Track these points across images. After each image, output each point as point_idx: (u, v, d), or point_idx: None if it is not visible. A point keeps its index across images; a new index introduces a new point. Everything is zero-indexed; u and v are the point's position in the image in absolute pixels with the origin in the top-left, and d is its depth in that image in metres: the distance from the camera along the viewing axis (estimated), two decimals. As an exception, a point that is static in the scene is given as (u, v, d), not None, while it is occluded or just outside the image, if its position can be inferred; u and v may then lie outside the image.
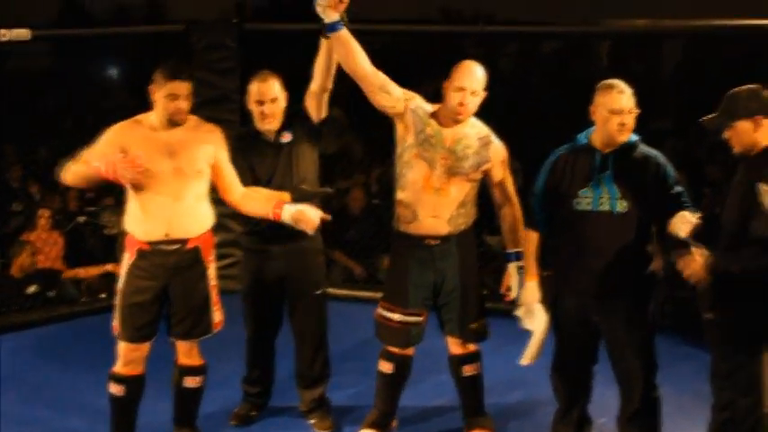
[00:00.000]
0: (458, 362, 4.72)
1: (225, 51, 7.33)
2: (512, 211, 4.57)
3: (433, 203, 4.45)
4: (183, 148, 4.31)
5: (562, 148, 4.36)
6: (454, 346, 4.70)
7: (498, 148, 4.51)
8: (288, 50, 9.45)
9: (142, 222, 4.33)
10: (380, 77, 4.41)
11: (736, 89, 3.88)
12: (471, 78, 4.37)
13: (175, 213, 4.30)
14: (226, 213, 7.10)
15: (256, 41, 7.79)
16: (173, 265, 4.36)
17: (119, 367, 4.48)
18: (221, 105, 7.26)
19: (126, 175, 4.15)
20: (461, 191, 4.47)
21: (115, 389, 4.49)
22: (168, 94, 4.23)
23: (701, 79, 9.18)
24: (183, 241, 4.35)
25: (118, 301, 4.44)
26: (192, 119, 4.40)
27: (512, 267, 4.54)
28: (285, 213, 4.36)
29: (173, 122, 4.29)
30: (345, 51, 4.35)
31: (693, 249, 3.79)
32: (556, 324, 4.40)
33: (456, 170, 4.42)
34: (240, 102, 7.36)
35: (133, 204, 4.36)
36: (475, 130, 4.48)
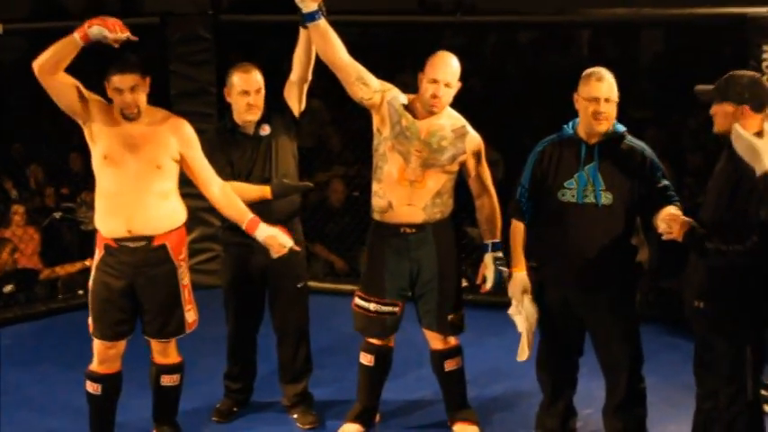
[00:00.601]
0: (439, 357, 4.73)
1: (201, 43, 7.28)
2: (489, 201, 4.57)
3: (408, 194, 4.46)
4: (146, 141, 4.26)
5: (548, 138, 4.35)
6: (434, 341, 4.70)
7: (474, 139, 4.50)
8: (265, 42, 9.43)
9: (106, 219, 4.31)
10: (358, 68, 4.41)
11: (740, 72, 3.88)
12: (445, 70, 4.37)
13: (137, 210, 4.26)
14: (203, 207, 7.09)
15: (232, 33, 7.75)
16: (138, 263, 4.32)
17: (95, 365, 4.46)
18: (198, 98, 7.22)
19: (113, 29, 4.04)
20: (437, 182, 4.47)
21: (92, 387, 4.47)
22: (114, 89, 4.21)
23: (682, 68, 9.20)
24: (149, 239, 4.31)
25: (90, 298, 4.42)
26: (160, 112, 4.37)
27: (488, 258, 4.54)
28: (259, 232, 4.36)
29: (125, 116, 4.23)
30: (323, 42, 4.34)
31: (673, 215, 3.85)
32: (540, 316, 4.40)
33: (431, 162, 4.43)
34: (217, 95, 7.36)
35: (98, 200, 4.33)
36: (450, 122, 4.47)
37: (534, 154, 4.34)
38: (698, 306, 3.87)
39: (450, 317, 4.60)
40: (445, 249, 4.56)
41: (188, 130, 4.39)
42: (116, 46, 4.10)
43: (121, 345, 4.43)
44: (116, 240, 4.29)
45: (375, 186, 4.55)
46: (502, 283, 4.52)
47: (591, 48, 10.80)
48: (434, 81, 4.36)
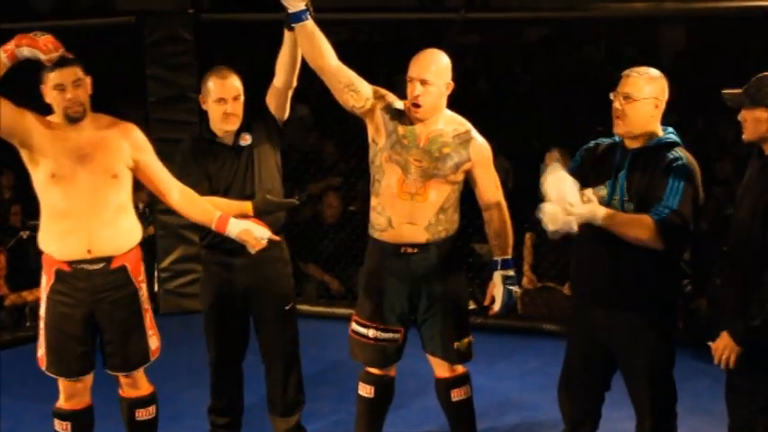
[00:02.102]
0: (445, 386, 4.67)
1: (180, 45, 7.27)
2: (498, 214, 4.50)
3: (408, 210, 4.39)
4: (96, 150, 4.18)
5: (599, 139, 4.24)
6: (440, 369, 4.65)
7: (479, 146, 4.43)
8: (251, 43, 9.45)
9: (60, 239, 4.19)
10: (348, 74, 4.35)
11: None
12: (420, 67, 4.30)
13: (96, 227, 4.17)
14: (185, 224, 7.06)
15: (214, 33, 7.76)
16: (97, 288, 4.22)
17: (61, 402, 4.38)
18: (177, 104, 7.23)
19: (45, 48, 3.96)
20: (440, 195, 4.40)
21: (60, 426, 4.38)
22: (55, 86, 4.11)
23: (706, 69, 9.20)
24: (108, 259, 4.21)
25: (42, 331, 4.30)
26: (105, 118, 4.28)
27: (497, 277, 4.48)
28: (231, 228, 4.32)
29: (70, 118, 4.13)
30: (310, 45, 4.29)
31: None
32: (567, 339, 4.35)
33: (433, 173, 4.36)
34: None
35: (48, 219, 4.22)
36: (452, 127, 4.41)
37: (580, 151, 4.25)
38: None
39: (456, 344, 4.55)
40: (451, 270, 4.51)
41: (139, 133, 4.32)
42: (48, 65, 4.05)
43: (88, 378, 4.36)
44: (71, 263, 4.18)
45: (373, 201, 4.51)
46: (513, 304, 4.49)
47: (606, 47, 10.83)
48: (410, 79, 4.31)
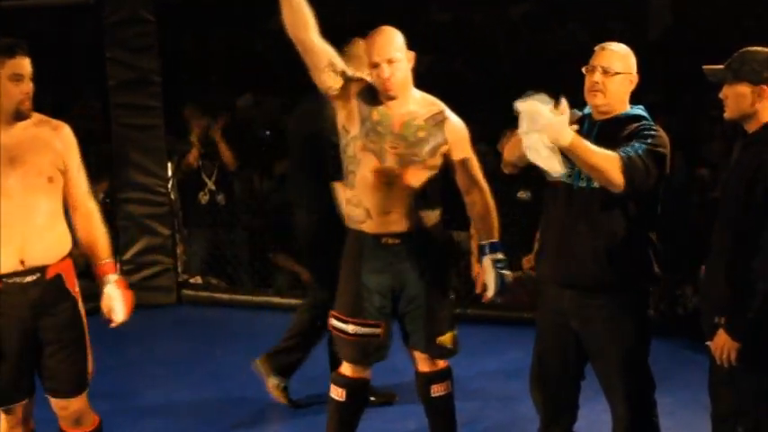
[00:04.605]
0: (425, 380, 4.65)
1: (142, 26, 7.27)
2: (480, 197, 4.47)
3: (386, 199, 4.37)
4: (27, 151, 3.94)
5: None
6: (421, 362, 4.63)
7: (455, 126, 4.41)
8: (216, 22, 9.44)
9: None
10: (330, 53, 4.34)
11: (754, 48, 3.82)
12: (381, 49, 4.28)
13: (29, 235, 3.92)
14: (149, 214, 7.08)
15: (177, 13, 7.76)
16: (35, 301, 3.95)
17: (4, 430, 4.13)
18: (139, 89, 7.22)
19: None
20: (419, 181, 4.37)
21: None
22: (12, 74, 3.88)
23: (696, 45, 9.25)
24: (43, 269, 3.96)
25: None
26: (35, 115, 4.04)
27: (486, 262, 4.42)
28: (108, 282, 4.10)
29: (21, 114, 3.93)
30: (292, 13, 4.25)
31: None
32: (536, 327, 4.36)
33: (410, 159, 4.35)
34: (163, 84, 7.36)
35: None
36: (425, 109, 4.40)
37: None
38: (719, 322, 3.87)
39: (439, 338, 4.53)
40: (434, 261, 4.49)
41: (71, 133, 4.11)
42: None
43: (29, 404, 4.09)
44: (2, 278, 3.91)
45: (348, 194, 4.47)
46: (505, 290, 4.46)
47: (593, 23, 10.85)
48: (375, 65, 4.29)
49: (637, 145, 3.91)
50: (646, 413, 4.21)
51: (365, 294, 4.46)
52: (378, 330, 4.49)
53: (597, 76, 4.03)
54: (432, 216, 4.45)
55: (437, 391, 4.63)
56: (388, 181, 4.35)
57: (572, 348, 4.22)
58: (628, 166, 3.83)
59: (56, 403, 4.06)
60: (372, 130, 4.34)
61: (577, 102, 4.09)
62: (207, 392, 5.70)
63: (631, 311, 4.13)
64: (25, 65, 3.90)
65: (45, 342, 3.99)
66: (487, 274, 4.40)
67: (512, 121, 3.89)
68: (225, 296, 7.78)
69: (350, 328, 4.49)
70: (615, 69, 4.03)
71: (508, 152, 4.17)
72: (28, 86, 3.90)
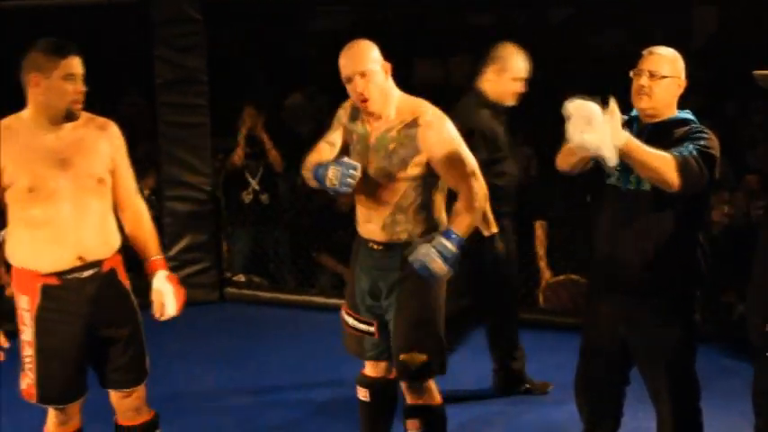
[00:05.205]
0: (405, 413, 4.46)
1: (189, 25, 7.29)
2: (464, 197, 4.16)
3: (366, 210, 4.31)
4: (76, 153, 3.93)
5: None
6: (404, 388, 4.45)
7: (427, 132, 4.16)
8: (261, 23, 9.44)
9: (45, 250, 3.92)
10: (324, 151, 4.33)
11: None
12: (352, 63, 4.15)
13: (85, 233, 3.94)
14: (193, 212, 7.09)
15: (225, 13, 7.76)
16: (93, 295, 3.98)
17: (50, 427, 4.12)
18: (186, 88, 7.25)
19: None
20: (394, 195, 4.21)
21: None
22: (66, 75, 3.85)
23: (740, 52, 9.16)
24: (99, 264, 3.99)
25: (30, 359, 3.97)
26: (82, 114, 4.02)
27: (435, 240, 4.09)
28: (158, 278, 4.13)
29: (72, 114, 3.92)
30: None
31: None
32: (582, 332, 4.33)
33: (383, 172, 4.21)
34: (209, 83, 7.37)
35: (25, 231, 3.93)
36: (400, 117, 4.22)
37: None
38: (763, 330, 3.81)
39: (402, 356, 4.30)
40: (412, 279, 4.21)
41: (117, 130, 4.11)
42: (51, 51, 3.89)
43: (83, 401, 4.10)
44: (60, 275, 3.92)
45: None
46: (425, 272, 4.09)
47: (636, 29, 10.78)
48: (348, 80, 4.16)
49: (691, 146, 3.89)
50: (691, 418, 4.19)
51: (359, 292, 4.44)
52: (371, 329, 4.45)
53: (644, 80, 4.04)
54: (414, 231, 4.26)
55: (410, 427, 4.44)
56: (366, 193, 4.27)
57: (618, 352, 4.20)
58: (683, 166, 3.82)
59: (118, 395, 4.12)
60: (354, 149, 4.28)
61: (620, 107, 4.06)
62: (247, 390, 5.70)
63: (679, 315, 4.12)
64: (77, 65, 3.89)
65: (104, 336, 4.03)
66: (423, 247, 4.09)
67: (555, 125, 3.85)
68: (267, 294, 7.80)
69: (350, 320, 4.49)
70: (662, 73, 4.03)
71: (561, 161, 4.12)
72: (80, 86, 3.89)
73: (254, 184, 8.06)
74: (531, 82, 5.37)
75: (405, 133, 4.17)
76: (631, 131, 4.00)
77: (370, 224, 4.31)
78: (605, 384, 4.32)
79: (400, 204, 4.22)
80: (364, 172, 4.19)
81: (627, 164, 3.93)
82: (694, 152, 3.88)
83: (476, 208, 4.17)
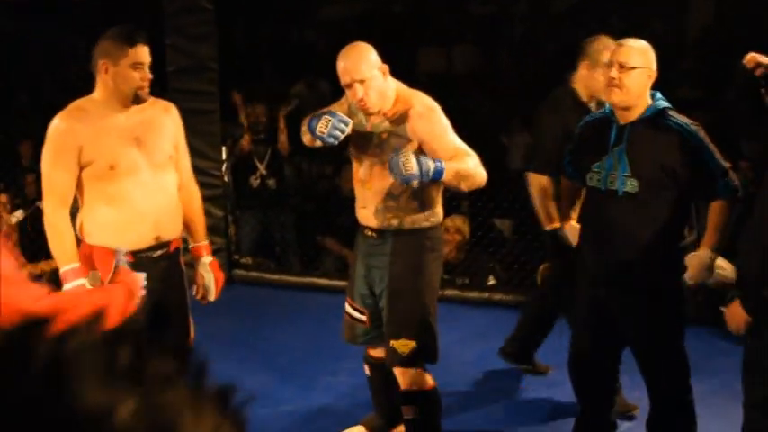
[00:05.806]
0: (399, 399, 4.53)
1: (200, 14, 7.34)
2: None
3: (362, 196, 4.41)
4: (147, 131, 4.09)
5: (594, 113, 4.36)
6: (396, 374, 4.48)
7: (416, 122, 4.24)
8: (269, 11, 9.48)
9: (124, 229, 4.03)
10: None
11: None
12: (351, 70, 4.20)
13: (162, 212, 4.09)
14: (206, 196, 7.17)
15: (233, 2, 7.80)
16: (163, 273, 4.10)
17: None
18: (198, 75, 7.30)
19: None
20: (385, 182, 4.27)
21: None
22: (134, 63, 3.98)
23: (735, 43, 9.20)
24: (168, 243, 4.15)
25: None
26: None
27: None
28: (204, 260, 4.34)
29: (138, 99, 4.03)
30: None
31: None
32: (573, 317, 4.39)
33: (376, 160, 4.30)
34: (220, 71, 7.43)
35: (106, 209, 4.04)
36: (394, 108, 4.29)
37: (577, 128, 4.35)
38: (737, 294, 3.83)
39: (392, 342, 4.36)
40: (403, 265, 4.35)
41: (177, 113, 4.29)
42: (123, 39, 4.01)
43: None
44: (136, 253, 4.02)
45: None
46: (399, 169, 4.05)
47: (631, 19, 10.81)
48: (348, 86, 4.22)
49: (719, 177, 4.03)
50: (683, 395, 4.24)
51: (356, 279, 4.54)
52: (363, 317, 4.55)
53: (614, 72, 4.02)
54: (405, 218, 4.34)
55: (406, 413, 4.50)
56: (361, 180, 4.38)
57: (608, 331, 4.26)
58: (732, 195, 4.06)
59: None
60: (352, 135, 4.34)
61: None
62: (255, 369, 5.79)
63: (668, 300, 4.18)
64: (145, 54, 4.03)
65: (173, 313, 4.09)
66: (407, 153, 4.11)
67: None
68: (274, 276, 7.89)
69: (347, 306, 4.61)
70: (632, 64, 4.01)
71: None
72: (147, 74, 4.03)
73: (261, 168, 8.13)
74: (532, 71, 5.39)
75: (396, 123, 4.25)
76: (608, 132, 4.08)
77: (365, 210, 4.40)
78: (598, 365, 4.37)
79: (391, 191, 4.29)
80: (361, 159, 4.34)
81: (610, 166, 4.04)
82: (723, 176, 4.03)
83: (471, 171, 4.21)
